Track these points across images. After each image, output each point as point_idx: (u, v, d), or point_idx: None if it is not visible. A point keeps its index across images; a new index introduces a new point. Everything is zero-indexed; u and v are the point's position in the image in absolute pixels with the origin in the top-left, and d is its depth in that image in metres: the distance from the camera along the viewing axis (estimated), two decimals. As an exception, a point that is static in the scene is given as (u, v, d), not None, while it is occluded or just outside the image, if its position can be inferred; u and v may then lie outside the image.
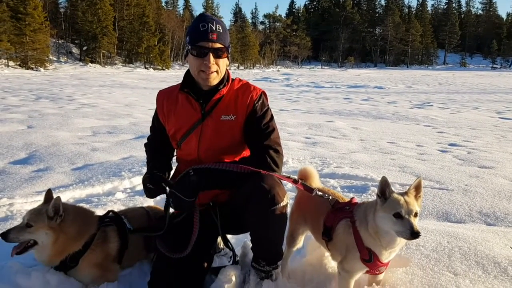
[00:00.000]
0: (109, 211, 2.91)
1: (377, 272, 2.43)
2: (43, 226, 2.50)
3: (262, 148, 2.60)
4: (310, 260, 2.98)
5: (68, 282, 2.53)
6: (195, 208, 2.62)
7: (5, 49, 45.56)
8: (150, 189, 2.65)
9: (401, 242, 2.26)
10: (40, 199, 4.25)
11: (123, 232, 2.78)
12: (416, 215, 2.14)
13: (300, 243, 2.88)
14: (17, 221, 3.64)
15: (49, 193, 2.73)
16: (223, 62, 2.59)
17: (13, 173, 5.40)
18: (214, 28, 2.49)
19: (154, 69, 65.61)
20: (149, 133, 3.05)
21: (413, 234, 2.05)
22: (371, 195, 4.62)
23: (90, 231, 2.66)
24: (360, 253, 2.31)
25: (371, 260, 2.29)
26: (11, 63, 47.34)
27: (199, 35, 2.49)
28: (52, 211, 2.52)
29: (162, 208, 3.19)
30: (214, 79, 2.58)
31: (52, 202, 2.53)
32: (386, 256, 2.32)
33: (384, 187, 2.21)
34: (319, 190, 2.62)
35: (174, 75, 47.43)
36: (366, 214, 2.31)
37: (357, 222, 2.34)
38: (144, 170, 5.33)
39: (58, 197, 2.55)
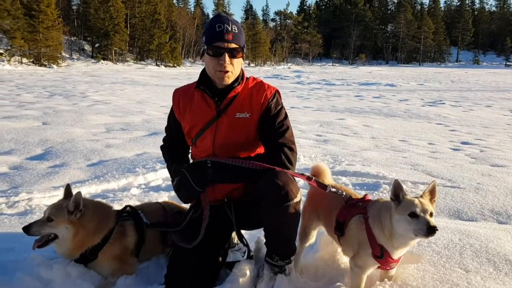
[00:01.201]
0: (126, 206, 2.99)
1: (388, 268, 2.47)
2: (64, 220, 2.57)
3: (276, 146, 2.65)
4: (322, 256, 3.03)
5: (88, 274, 2.61)
6: (205, 198, 2.69)
7: (19, 46, 45.96)
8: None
9: (412, 242, 2.30)
10: (58, 194, 4.39)
11: (140, 226, 2.85)
12: (431, 214, 2.16)
13: (312, 238, 2.93)
14: (36, 216, 3.75)
15: (68, 188, 2.81)
16: (238, 62, 2.64)
17: (30, 169, 5.52)
18: (230, 29, 2.55)
19: (166, 66, 65.71)
20: (162, 131, 3.11)
21: (430, 229, 2.07)
22: (383, 193, 4.65)
23: (109, 225, 2.73)
24: (372, 249, 2.35)
25: (382, 257, 2.34)
26: (24, 60, 47.80)
27: (215, 36, 2.55)
28: (73, 206, 2.60)
29: (178, 204, 3.28)
30: (229, 78, 2.64)
31: (73, 197, 2.61)
32: (398, 254, 2.36)
33: (397, 190, 2.23)
34: (332, 186, 2.66)
35: (185, 72, 47.61)
36: (380, 215, 2.34)
37: (370, 219, 2.38)
38: (159, 166, 5.47)
39: (79, 192, 2.63)
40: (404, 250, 2.37)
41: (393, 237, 2.27)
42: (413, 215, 2.14)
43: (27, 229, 2.55)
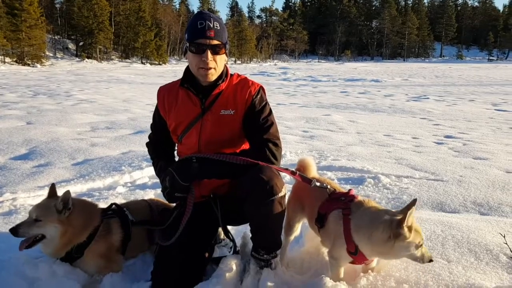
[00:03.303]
0: (112, 204, 2.98)
1: (362, 263, 2.51)
2: (53, 220, 2.56)
3: (261, 141, 2.67)
4: (308, 249, 3.06)
5: (74, 272, 2.60)
6: (191, 193, 2.70)
7: (1, 45, 45.35)
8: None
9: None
10: (42, 193, 4.36)
11: (126, 224, 2.85)
12: None
13: (297, 231, 2.95)
14: (21, 216, 3.73)
15: (53, 187, 2.79)
16: (221, 58, 2.65)
17: (14, 169, 5.46)
18: (211, 26, 2.56)
19: (151, 64, 65.28)
20: (148, 129, 3.11)
21: (430, 261, 2.28)
22: (368, 187, 4.71)
23: (94, 223, 2.73)
24: (347, 244, 2.38)
25: (356, 254, 2.37)
26: (7, 59, 47.14)
27: (197, 33, 2.56)
28: (61, 205, 2.59)
29: (164, 201, 3.28)
30: (213, 75, 2.65)
31: (62, 196, 2.61)
32: (372, 257, 2.41)
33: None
34: (317, 180, 2.69)
35: (171, 70, 47.34)
36: (372, 231, 2.28)
37: (352, 225, 2.37)
38: (145, 165, 5.46)
39: (68, 191, 2.63)
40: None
41: (383, 254, 2.33)
42: (418, 246, 2.25)
43: (15, 230, 2.52)
